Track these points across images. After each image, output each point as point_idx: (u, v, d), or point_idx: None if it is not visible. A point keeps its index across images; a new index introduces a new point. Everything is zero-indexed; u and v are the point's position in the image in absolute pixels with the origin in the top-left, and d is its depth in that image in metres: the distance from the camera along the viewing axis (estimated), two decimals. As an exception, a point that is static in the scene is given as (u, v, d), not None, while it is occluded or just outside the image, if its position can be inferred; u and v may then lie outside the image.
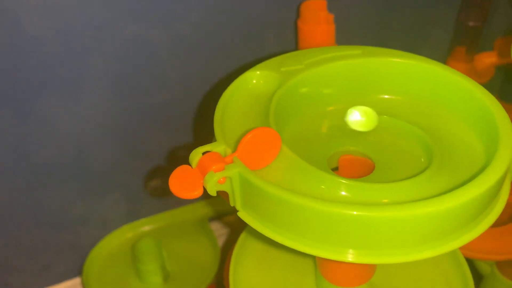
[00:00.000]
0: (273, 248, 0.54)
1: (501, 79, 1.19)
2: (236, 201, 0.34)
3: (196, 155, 0.33)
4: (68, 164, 0.76)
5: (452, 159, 0.36)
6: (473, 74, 1.00)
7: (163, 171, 0.85)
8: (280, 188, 0.31)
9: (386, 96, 0.44)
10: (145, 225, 0.89)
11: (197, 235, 0.88)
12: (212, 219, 0.93)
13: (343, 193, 0.33)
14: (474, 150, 0.37)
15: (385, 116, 0.42)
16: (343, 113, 0.42)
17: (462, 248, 0.58)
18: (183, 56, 0.72)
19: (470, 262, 0.98)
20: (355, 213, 0.30)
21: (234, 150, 0.33)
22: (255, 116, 0.38)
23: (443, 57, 1.01)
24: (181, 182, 0.32)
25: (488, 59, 0.98)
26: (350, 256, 0.32)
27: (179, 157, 0.84)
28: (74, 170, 0.77)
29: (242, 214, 0.34)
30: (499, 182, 0.31)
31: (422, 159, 0.38)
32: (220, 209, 0.91)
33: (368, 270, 0.45)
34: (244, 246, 0.53)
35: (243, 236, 0.53)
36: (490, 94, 0.38)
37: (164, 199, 0.91)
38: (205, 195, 0.80)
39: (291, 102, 0.41)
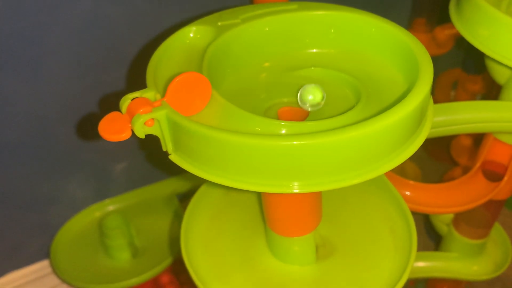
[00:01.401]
0: (227, 207, 0.55)
1: (464, 53, 1.21)
2: (167, 145, 0.35)
3: (125, 101, 0.34)
4: (31, 144, 0.76)
5: (380, 96, 0.38)
6: (433, 44, 1.02)
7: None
8: (214, 127, 0.32)
9: (319, 50, 0.45)
10: (113, 204, 0.90)
11: (165, 211, 0.89)
12: (183, 196, 0.94)
13: (279, 132, 0.34)
14: (398, 85, 0.39)
15: (318, 68, 0.43)
16: (279, 68, 0.43)
17: (409, 202, 0.60)
18: (142, 31, 0.72)
19: (428, 224, 1.00)
20: (295, 143, 0.31)
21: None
22: (189, 68, 0.39)
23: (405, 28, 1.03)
24: (110, 126, 0.33)
25: (448, 31, 1.01)
26: (295, 187, 0.33)
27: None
28: (38, 149, 0.77)
29: (174, 158, 0.35)
30: (422, 105, 0.33)
31: (353, 102, 0.39)
32: (190, 186, 0.92)
33: (312, 218, 0.46)
34: (197, 205, 0.54)
35: (196, 196, 0.54)
36: (410, 34, 0.40)
37: (132, 177, 0.91)
38: (173, 172, 0.80)
39: (227, 56, 0.42)
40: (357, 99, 0.39)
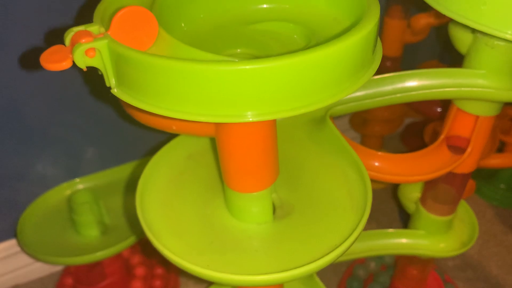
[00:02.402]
0: (188, 169, 0.55)
1: (441, 45, 1.23)
2: (110, 79, 0.35)
3: (69, 33, 0.34)
4: (0, 117, 0.76)
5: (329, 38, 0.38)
6: (409, 32, 1.03)
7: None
8: (159, 55, 0.32)
9: (274, 5, 0.45)
10: (84, 183, 0.89)
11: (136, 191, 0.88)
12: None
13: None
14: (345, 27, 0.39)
15: (273, 21, 0.43)
16: (235, 21, 0.43)
17: (376, 172, 0.60)
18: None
19: (396, 201, 1.01)
20: (247, 67, 0.31)
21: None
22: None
23: (382, 15, 1.04)
24: (51, 56, 0.33)
25: (424, 20, 1.02)
26: (249, 116, 0.33)
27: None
28: (8, 123, 0.77)
29: (118, 93, 0.35)
30: (367, 38, 0.34)
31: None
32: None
33: (267, 173, 0.46)
34: (157, 165, 0.54)
35: (156, 157, 0.54)
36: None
37: (104, 157, 0.91)
38: (145, 152, 0.79)
39: (180, 4, 0.42)
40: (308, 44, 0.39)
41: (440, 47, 1.22)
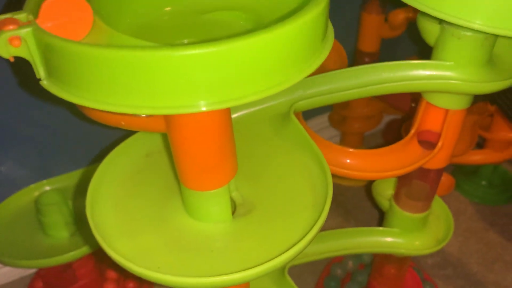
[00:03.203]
0: (145, 169, 0.53)
1: (420, 41, 1.21)
2: (39, 69, 0.32)
3: (-6, 21, 0.32)
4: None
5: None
6: (386, 26, 1.02)
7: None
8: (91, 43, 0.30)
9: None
10: (54, 184, 0.86)
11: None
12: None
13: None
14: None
15: (222, 11, 0.41)
16: (183, 11, 0.41)
17: (348, 169, 0.58)
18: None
19: (371, 200, 0.99)
20: (199, 51, 0.29)
21: (37, 19, 0.32)
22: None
23: (359, 10, 1.02)
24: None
25: (402, 15, 1.00)
26: (202, 106, 0.31)
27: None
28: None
29: (48, 85, 0.33)
30: (318, 19, 0.33)
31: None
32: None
33: (223, 169, 0.44)
34: (111, 165, 0.51)
35: (110, 156, 0.52)
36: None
37: (74, 157, 0.88)
38: None
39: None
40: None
41: (419, 42, 1.21)
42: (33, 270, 0.92)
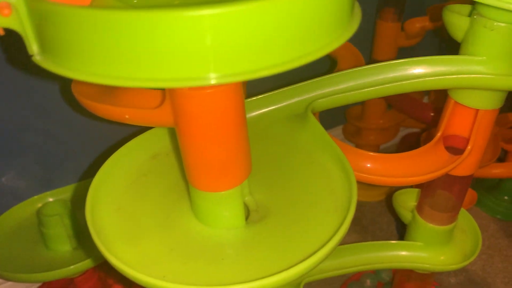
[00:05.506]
0: (151, 171, 0.49)
1: (437, 49, 1.18)
2: (31, 43, 0.29)
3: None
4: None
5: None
6: (402, 35, 0.99)
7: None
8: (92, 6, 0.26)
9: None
10: (58, 195, 0.83)
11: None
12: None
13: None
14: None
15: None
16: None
17: (369, 174, 0.54)
18: None
19: (393, 214, 0.94)
20: (212, 11, 0.25)
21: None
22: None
23: (374, 18, 0.99)
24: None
25: (419, 24, 0.98)
26: (212, 79, 0.27)
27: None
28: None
29: (41, 60, 0.29)
30: None
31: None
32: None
33: (236, 167, 0.40)
34: (113, 167, 0.47)
35: (112, 158, 0.48)
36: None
37: (79, 168, 0.85)
38: None
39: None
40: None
41: (438, 51, 1.17)
42: (34, 286, 0.88)
